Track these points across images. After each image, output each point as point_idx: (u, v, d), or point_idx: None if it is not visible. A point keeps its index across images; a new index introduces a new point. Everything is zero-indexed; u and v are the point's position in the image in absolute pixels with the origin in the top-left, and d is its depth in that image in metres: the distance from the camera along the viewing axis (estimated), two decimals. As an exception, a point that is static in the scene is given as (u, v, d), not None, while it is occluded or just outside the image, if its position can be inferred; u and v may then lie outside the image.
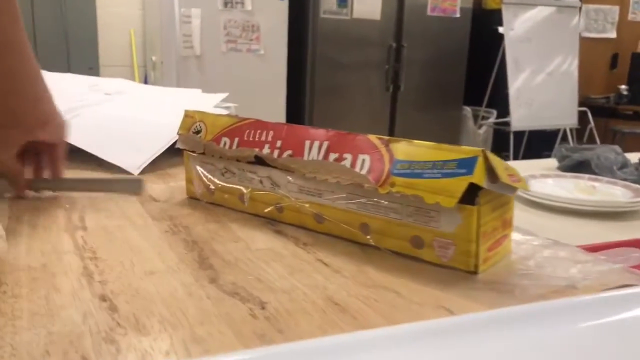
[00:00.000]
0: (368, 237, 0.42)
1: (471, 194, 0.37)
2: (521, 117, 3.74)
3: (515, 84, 3.74)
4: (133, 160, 0.67)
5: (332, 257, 0.41)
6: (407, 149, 0.39)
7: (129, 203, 0.54)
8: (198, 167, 0.54)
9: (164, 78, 3.33)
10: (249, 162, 0.49)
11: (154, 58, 3.58)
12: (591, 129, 4.20)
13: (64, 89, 0.83)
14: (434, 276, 0.38)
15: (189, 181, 0.56)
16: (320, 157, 0.44)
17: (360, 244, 0.43)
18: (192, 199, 0.56)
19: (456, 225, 0.38)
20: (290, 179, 0.46)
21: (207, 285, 0.36)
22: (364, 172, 0.41)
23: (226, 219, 0.50)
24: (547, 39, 3.84)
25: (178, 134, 0.55)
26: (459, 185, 0.36)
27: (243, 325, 0.31)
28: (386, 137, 0.41)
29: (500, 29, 3.79)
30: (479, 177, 0.36)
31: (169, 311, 0.32)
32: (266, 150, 0.48)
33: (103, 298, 0.33)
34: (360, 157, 0.41)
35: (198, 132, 0.53)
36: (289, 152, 0.46)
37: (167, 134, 0.71)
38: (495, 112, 4.15)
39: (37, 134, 0.57)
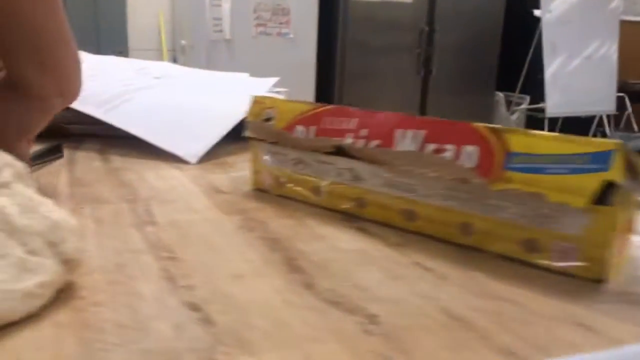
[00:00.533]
0: (469, 238, 0.38)
1: (602, 193, 0.32)
2: (557, 103, 3.63)
3: (551, 69, 3.62)
4: (191, 149, 0.63)
5: (431, 260, 0.37)
6: (524, 141, 0.35)
7: (193, 195, 0.51)
8: (267, 157, 0.50)
9: (193, 62, 3.30)
10: (327, 153, 0.45)
11: (183, 42, 3.55)
12: (629, 115, 4.07)
13: (111, 72, 0.79)
14: (553, 285, 0.34)
15: (255, 172, 0.52)
16: (415, 147, 0.40)
17: (458, 245, 0.39)
18: (259, 191, 0.52)
19: (582, 228, 0.33)
20: (377, 171, 0.42)
21: (302, 292, 0.32)
22: (470, 165, 0.37)
23: (300, 213, 0.46)
24: (585, 21, 3.71)
25: (246, 121, 0.51)
26: (592, 182, 0.32)
27: (358, 343, 0.27)
28: (498, 127, 0.36)
29: (537, 12, 3.68)
30: (616, 173, 0.31)
31: (271, 324, 0.28)
32: (349, 139, 0.43)
33: (193, 307, 0.29)
34: (466, 148, 0.37)
35: (269, 119, 0.49)
36: (377, 142, 0.42)
37: (224, 121, 0.68)
38: (528, 98, 4.05)
39: (72, 100, 0.53)
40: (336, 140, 0.44)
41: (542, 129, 3.64)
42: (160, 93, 0.73)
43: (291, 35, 3.48)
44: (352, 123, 0.43)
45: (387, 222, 0.43)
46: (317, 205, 0.47)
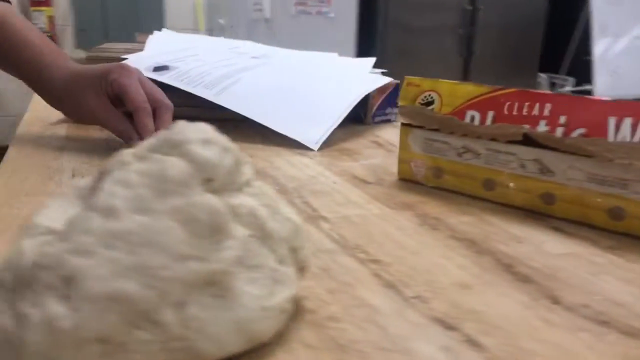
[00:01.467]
0: (702, 242, 0.33)
1: None
2: (605, 85, 3.51)
3: (600, 49, 3.50)
4: (311, 135, 0.59)
5: (666, 267, 0.32)
6: None
7: (340, 185, 0.46)
8: (423, 145, 0.46)
9: (232, 42, 3.25)
10: (510, 142, 0.40)
11: (221, 21, 3.50)
12: (677, 99, 3.93)
13: (209, 52, 0.75)
14: None
15: (403, 161, 0.48)
16: (637, 138, 0.35)
17: (684, 249, 0.34)
18: (408, 182, 0.47)
19: None
20: (577, 164, 0.37)
21: (552, 307, 0.28)
22: None
23: (474, 209, 0.41)
24: (636, 1, 3.57)
25: (399, 105, 0.47)
26: None
27: (667, 376, 0.22)
28: None
29: (586, -9, 3.54)
30: None
31: (550, 350, 0.24)
32: (543, 127, 0.39)
33: (445, 325, 0.25)
34: None
35: (429, 103, 0.45)
36: (581, 130, 0.37)
37: (339, 104, 0.63)
38: (572, 80, 3.93)
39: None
40: (526, 128, 0.39)
41: (589, 112, 3.54)
42: (265, 74, 0.69)
43: (331, 15, 3.41)
44: (545, 109, 0.39)
45: (583, 220, 0.38)
46: (487, 199, 0.43)
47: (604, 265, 0.32)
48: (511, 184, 0.41)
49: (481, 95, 0.42)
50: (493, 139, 0.41)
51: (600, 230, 0.37)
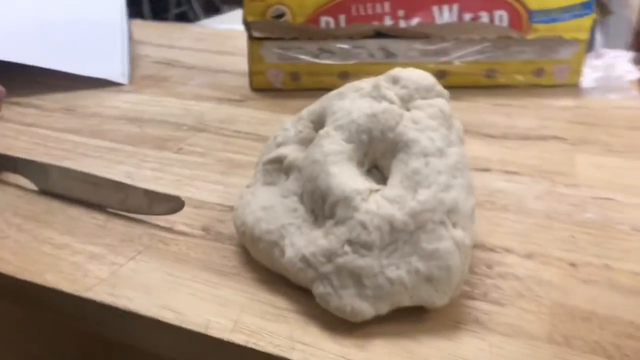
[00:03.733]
0: (493, 79, 0.53)
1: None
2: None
3: None
4: (112, 68, 0.54)
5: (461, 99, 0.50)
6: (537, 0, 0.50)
7: (224, 110, 0.48)
8: (279, 55, 0.51)
9: None
10: (364, 37, 0.50)
11: None
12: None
13: None
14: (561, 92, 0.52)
15: (256, 73, 0.52)
16: (454, 18, 0.50)
17: (482, 86, 0.53)
18: (264, 90, 0.53)
19: (573, 54, 0.52)
20: (413, 45, 0.51)
21: (579, 146, 0.42)
22: (505, 25, 0.50)
23: (343, 97, 0.51)
24: None
25: (248, 22, 0.50)
26: (587, 21, 0.50)
27: None
28: (516, -7, 0.50)
29: None
30: (597, 13, 0.50)
31: (607, 176, 0.39)
32: (388, 21, 0.50)
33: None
34: (497, 13, 0.50)
35: (280, 15, 0.50)
36: (417, 19, 0.50)
37: (112, 29, 0.59)
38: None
39: None
40: (376, 25, 0.50)
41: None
42: (2, 10, 0.56)
43: None
44: (386, 7, 0.50)
45: (418, 85, 0.53)
46: (343, 88, 0.53)
47: (494, 110, 0.48)
48: (362, 70, 0.52)
49: (330, 2, 0.50)
50: (350, 38, 0.50)
51: (431, 88, 0.53)
